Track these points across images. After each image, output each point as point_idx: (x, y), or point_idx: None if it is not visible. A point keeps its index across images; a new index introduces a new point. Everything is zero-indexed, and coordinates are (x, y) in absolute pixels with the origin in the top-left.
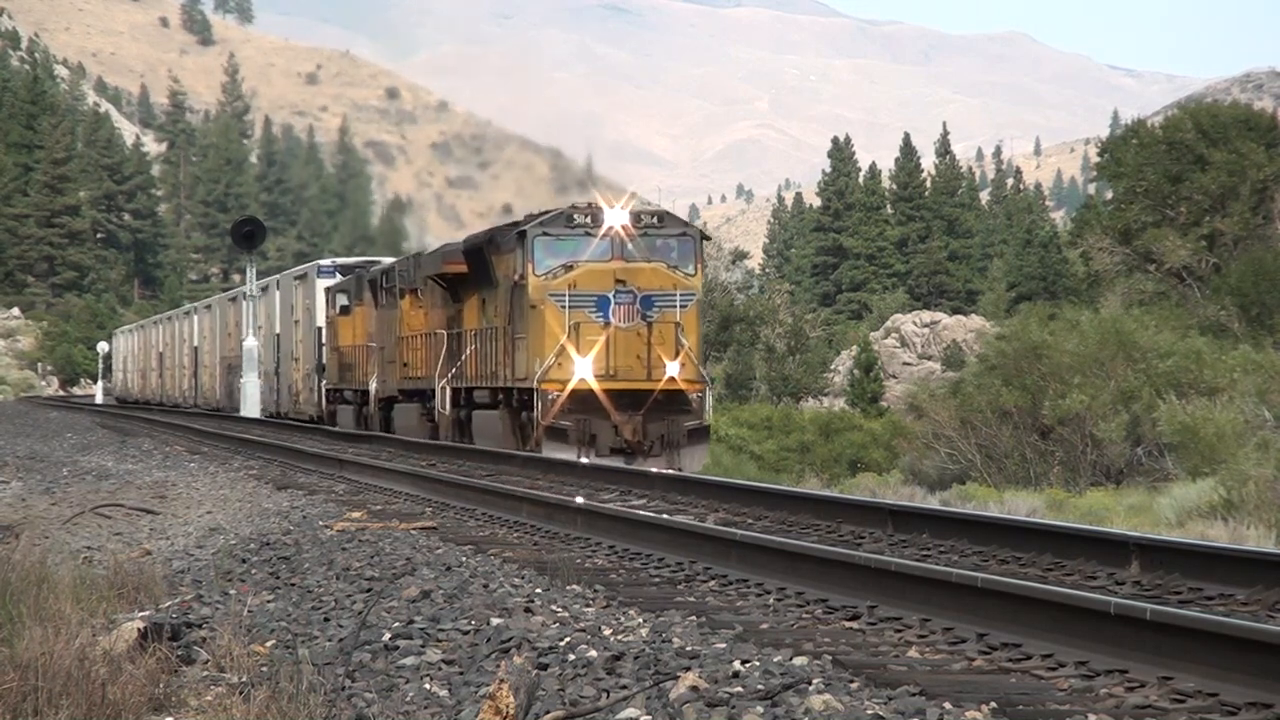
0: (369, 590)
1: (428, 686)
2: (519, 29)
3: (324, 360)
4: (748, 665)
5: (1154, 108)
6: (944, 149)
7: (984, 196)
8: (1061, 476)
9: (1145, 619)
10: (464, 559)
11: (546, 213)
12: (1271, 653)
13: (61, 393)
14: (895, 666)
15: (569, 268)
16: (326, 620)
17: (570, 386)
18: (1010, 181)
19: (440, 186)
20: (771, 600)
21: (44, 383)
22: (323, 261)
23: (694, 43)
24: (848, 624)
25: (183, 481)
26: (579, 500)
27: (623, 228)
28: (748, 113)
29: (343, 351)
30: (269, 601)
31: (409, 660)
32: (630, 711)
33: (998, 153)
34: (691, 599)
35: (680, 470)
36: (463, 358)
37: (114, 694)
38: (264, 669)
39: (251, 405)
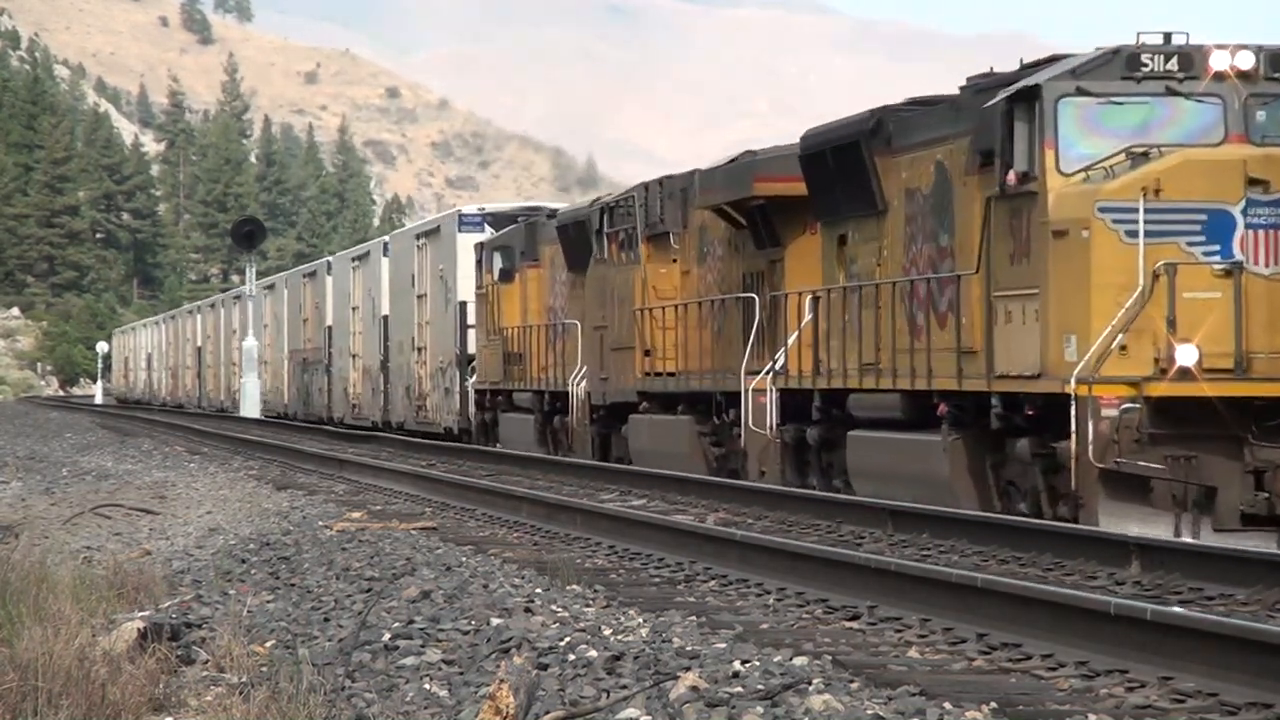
0: (369, 590)
1: (428, 686)
2: (519, 28)
3: (470, 349)
4: (748, 665)
5: None
6: None
7: None
8: None
9: (1145, 619)
10: (464, 559)
11: (1063, 57)
12: (1271, 653)
13: (61, 393)
14: (895, 666)
15: (1140, 156)
16: (326, 620)
17: (1154, 388)
18: None
19: (440, 186)
20: (771, 600)
21: (44, 383)
22: (465, 209)
23: (694, 43)
24: (848, 624)
25: (182, 481)
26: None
27: (1242, 76)
28: (748, 112)
29: (507, 335)
30: (269, 601)
31: (409, 660)
32: (630, 711)
33: None
34: (691, 599)
35: None
36: (791, 338)
37: (114, 694)
38: (264, 669)
39: (251, 405)
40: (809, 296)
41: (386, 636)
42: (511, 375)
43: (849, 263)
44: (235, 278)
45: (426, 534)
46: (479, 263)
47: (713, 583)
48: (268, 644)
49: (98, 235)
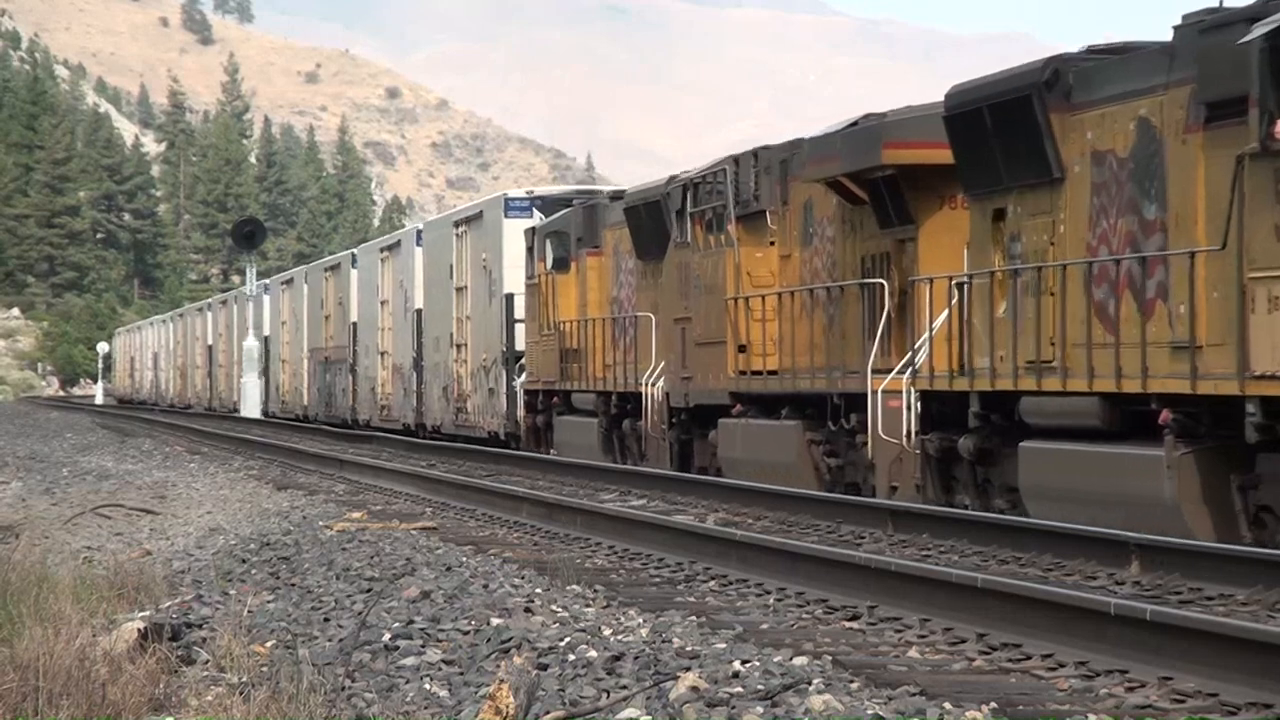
0: (369, 590)
1: (428, 686)
2: (519, 28)
3: (518, 346)
4: (748, 665)
5: None
6: None
7: None
8: None
9: (1145, 619)
10: (464, 559)
11: None
12: (1271, 653)
13: (61, 393)
14: (895, 666)
15: None
16: (326, 620)
17: None
18: None
19: (440, 187)
20: (771, 600)
21: (44, 383)
22: (512, 193)
23: (694, 42)
24: (848, 624)
25: (183, 482)
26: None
27: None
28: (748, 112)
29: (563, 330)
30: (269, 601)
31: (409, 660)
32: (630, 712)
33: None
34: (691, 599)
35: None
36: (935, 328)
37: (114, 694)
38: (264, 669)
39: (251, 405)
40: (952, 282)
41: (386, 636)
42: (569, 374)
43: (1008, 241)
44: (235, 278)
45: (426, 534)
46: (529, 250)
47: (713, 583)
48: (268, 644)
49: (98, 235)
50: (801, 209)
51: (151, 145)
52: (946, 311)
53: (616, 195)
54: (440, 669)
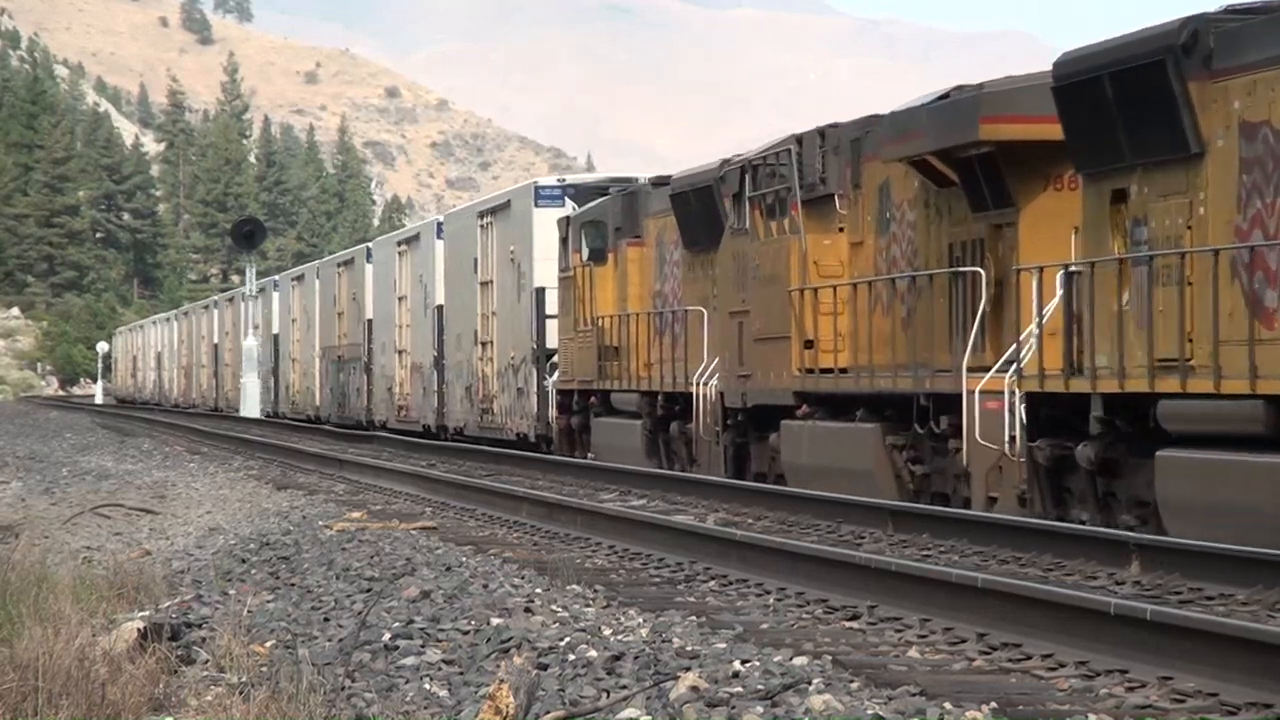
0: (369, 590)
1: (428, 686)
2: (519, 28)
3: (550, 343)
4: (748, 665)
5: None
6: None
7: None
8: None
9: (1145, 619)
10: (464, 559)
11: None
12: (1271, 653)
13: (61, 393)
14: (895, 666)
15: None
16: (326, 620)
17: None
18: None
19: (440, 187)
20: (771, 600)
21: (44, 383)
22: (542, 180)
23: (694, 42)
24: (848, 624)
25: (182, 481)
26: None
27: None
28: (747, 112)
29: (601, 326)
30: (269, 601)
31: (409, 660)
32: (630, 711)
33: None
34: (691, 599)
35: None
36: (1042, 320)
37: (114, 694)
38: (264, 669)
39: (251, 405)
40: (1066, 269)
41: (386, 636)
42: (608, 373)
43: (1130, 225)
44: (235, 278)
45: (426, 534)
46: (563, 241)
47: (713, 583)
48: (268, 644)
49: (98, 235)
50: (876, 192)
51: (151, 145)
52: (1054, 304)
53: (660, 181)
54: (440, 669)
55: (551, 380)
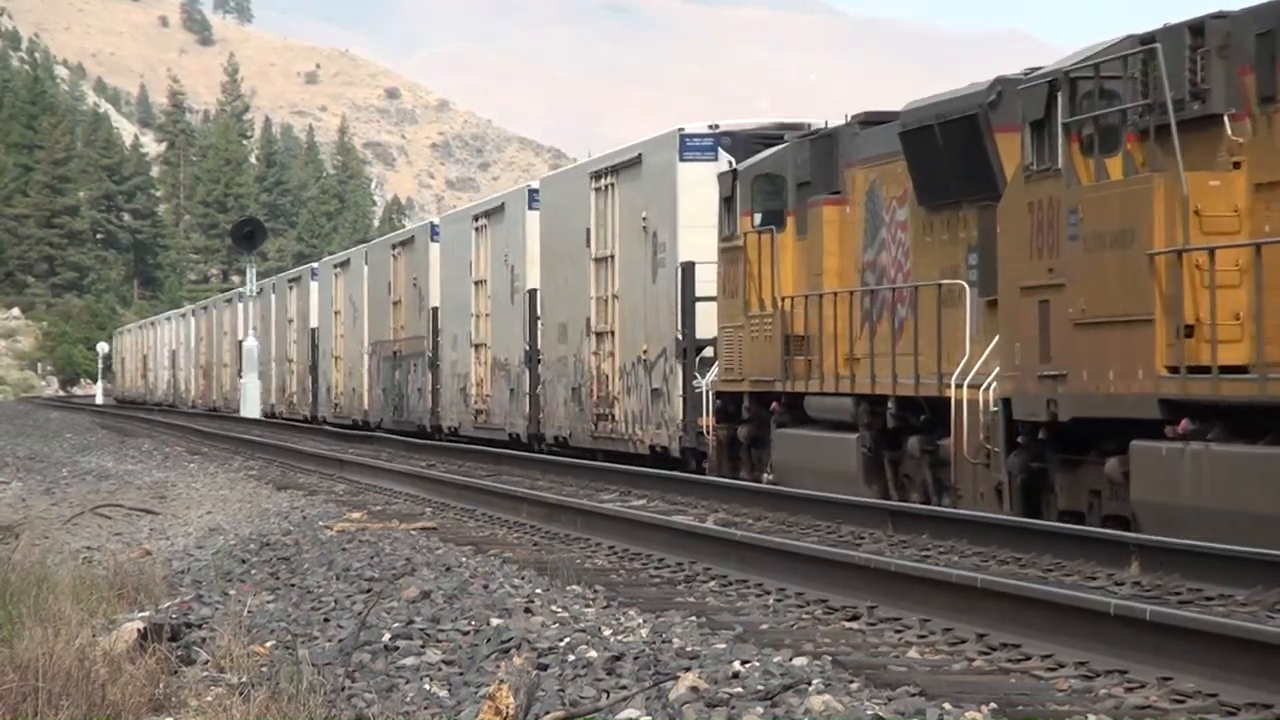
0: (369, 591)
1: (428, 687)
2: (518, 28)
3: (701, 333)
4: (748, 666)
5: None
6: None
7: None
8: None
9: (1145, 619)
10: (464, 559)
11: None
12: (1271, 653)
13: (61, 393)
14: (895, 667)
15: None
16: (326, 621)
17: None
18: None
19: (440, 188)
20: (771, 600)
21: (44, 383)
22: (690, 127)
23: (694, 42)
24: (848, 624)
25: (182, 482)
26: None
27: None
28: (747, 112)
29: (785, 310)
30: (269, 602)
31: (409, 660)
32: (630, 712)
33: None
34: (691, 599)
35: None
36: None
37: (114, 694)
38: (264, 669)
39: (251, 405)
40: None
41: (386, 637)
42: (796, 370)
43: None
44: (235, 278)
45: (426, 534)
46: (725, 202)
47: (713, 583)
48: (268, 644)
49: (98, 235)
50: None
51: (151, 145)
52: None
53: (872, 118)
54: (440, 669)
55: (707, 380)
